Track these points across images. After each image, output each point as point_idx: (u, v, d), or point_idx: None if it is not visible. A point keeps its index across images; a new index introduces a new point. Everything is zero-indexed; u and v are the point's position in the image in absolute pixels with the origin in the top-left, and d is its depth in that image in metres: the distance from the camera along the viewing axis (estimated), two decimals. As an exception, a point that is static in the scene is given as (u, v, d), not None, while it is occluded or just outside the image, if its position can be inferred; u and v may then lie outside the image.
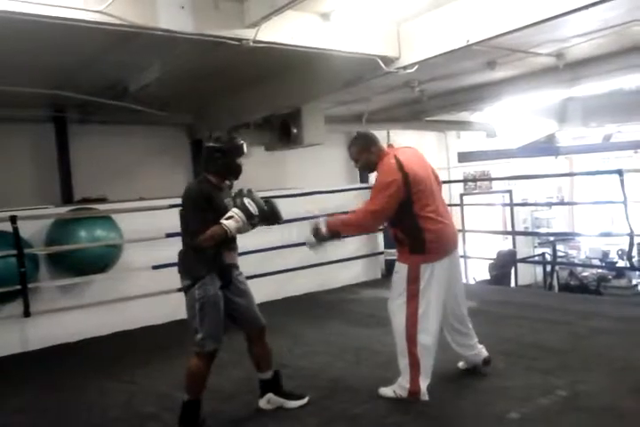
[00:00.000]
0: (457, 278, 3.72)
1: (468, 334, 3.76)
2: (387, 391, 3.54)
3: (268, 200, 3.27)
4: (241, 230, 3.11)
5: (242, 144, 3.30)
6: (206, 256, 3.15)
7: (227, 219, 3.03)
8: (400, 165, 3.35)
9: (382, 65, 4.54)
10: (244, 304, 3.34)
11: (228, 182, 3.34)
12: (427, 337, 3.42)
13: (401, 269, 3.50)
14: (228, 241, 3.17)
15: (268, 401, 3.51)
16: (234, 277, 3.33)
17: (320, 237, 3.44)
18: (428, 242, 3.38)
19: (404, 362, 3.47)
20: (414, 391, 3.43)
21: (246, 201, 3.09)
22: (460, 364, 3.91)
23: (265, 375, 3.49)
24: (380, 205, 3.37)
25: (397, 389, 3.50)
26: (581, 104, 8.61)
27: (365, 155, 3.55)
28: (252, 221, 3.10)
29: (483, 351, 3.81)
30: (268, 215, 3.23)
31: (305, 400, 3.54)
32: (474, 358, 3.81)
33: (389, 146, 3.60)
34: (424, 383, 3.43)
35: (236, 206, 3.08)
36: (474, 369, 3.84)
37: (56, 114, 6.50)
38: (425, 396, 3.42)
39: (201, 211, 3.10)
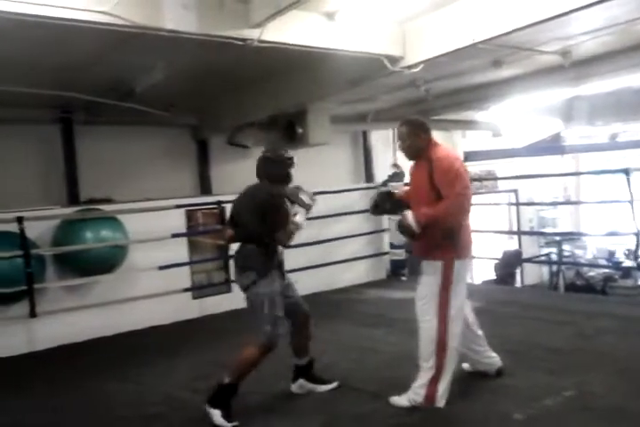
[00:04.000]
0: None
1: (479, 337, 3.73)
2: (400, 401, 3.44)
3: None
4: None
5: (292, 157, 3.67)
6: (269, 253, 3.48)
7: (294, 216, 3.45)
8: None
9: (387, 64, 4.52)
10: (294, 295, 3.67)
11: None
12: (455, 343, 3.38)
13: (434, 268, 3.37)
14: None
15: (299, 386, 3.78)
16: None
17: (410, 234, 3.36)
18: (462, 237, 3.38)
19: (425, 366, 3.38)
20: (431, 396, 3.35)
21: (304, 197, 3.52)
22: (465, 365, 3.87)
23: (301, 362, 3.77)
24: (466, 185, 3.32)
25: (412, 395, 3.40)
26: (587, 103, 8.56)
27: (414, 139, 3.52)
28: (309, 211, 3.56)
29: (497, 361, 3.78)
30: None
31: (334, 384, 3.79)
32: (486, 366, 3.77)
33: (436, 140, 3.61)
34: (443, 390, 3.36)
35: (296, 203, 3.50)
36: (481, 373, 3.80)
37: (62, 115, 6.50)
38: (441, 403, 3.36)
39: (272, 214, 3.43)
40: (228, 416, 3.31)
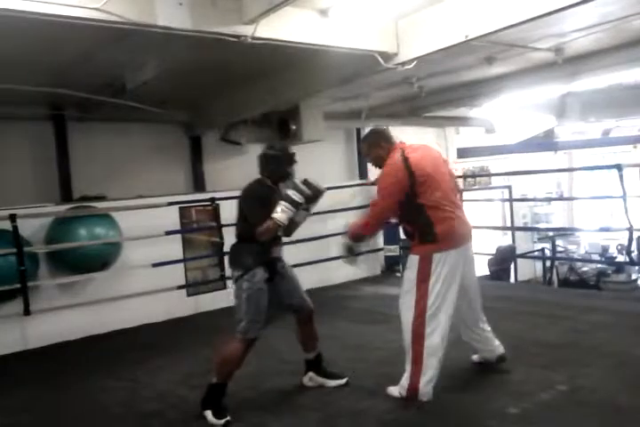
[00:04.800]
0: (471, 273, 3.70)
1: (483, 329, 3.76)
2: (393, 391, 3.53)
3: (306, 181, 3.51)
4: (295, 219, 3.46)
5: (293, 154, 3.63)
6: (256, 250, 3.48)
7: (276, 212, 3.31)
8: (406, 161, 3.38)
9: (381, 61, 4.53)
10: (292, 291, 3.68)
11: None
12: (435, 337, 3.38)
13: (412, 262, 3.47)
14: (275, 236, 3.50)
15: (309, 379, 3.85)
16: (279, 269, 3.64)
17: (350, 249, 3.81)
18: (437, 232, 3.38)
19: (407, 360, 3.45)
20: (412, 390, 3.41)
21: (290, 193, 3.35)
22: (474, 357, 3.91)
23: (309, 356, 3.84)
24: (383, 205, 3.50)
25: (400, 387, 3.49)
26: (580, 99, 8.59)
27: (375, 150, 3.62)
28: (300, 208, 3.42)
29: (499, 349, 3.80)
30: (313, 196, 3.49)
31: (343, 381, 3.81)
32: (487, 353, 3.80)
33: (400, 142, 3.62)
34: (425, 383, 3.39)
35: (282, 199, 3.36)
36: (486, 363, 3.83)
37: (54, 112, 6.48)
38: (425, 396, 3.39)
39: (259, 208, 3.39)
40: (219, 414, 3.35)
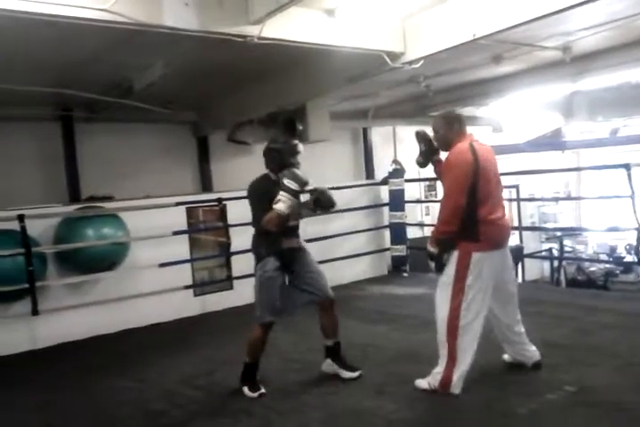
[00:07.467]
0: (509, 277, 3.71)
1: (519, 333, 3.74)
2: (422, 383, 3.55)
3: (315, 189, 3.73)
4: (295, 209, 3.57)
5: (295, 145, 3.70)
6: (267, 241, 3.66)
7: (275, 203, 3.44)
8: (474, 152, 3.40)
9: (388, 60, 4.53)
10: (312, 279, 3.82)
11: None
12: (468, 333, 3.40)
13: (452, 258, 3.46)
14: (285, 229, 3.64)
15: (327, 365, 3.97)
16: (297, 259, 3.79)
17: (438, 257, 3.53)
18: (480, 231, 3.38)
19: (442, 353, 3.48)
20: (445, 382, 3.43)
21: (286, 181, 3.46)
22: (505, 356, 3.89)
23: (327, 342, 3.95)
24: (451, 204, 3.41)
25: (431, 380, 3.51)
26: (588, 98, 8.56)
27: (445, 130, 3.61)
28: (300, 195, 3.59)
29: (535, 354, 3.78)
30: (314, 190, 3.69)
31: (357, 374, 3.87)
32: (524, 358, 3.78)
33: (470, 134, 3.65)
34: (458, 377, 3.42)
35: (281, 189, 3.47)
36: (519, 365, 3.80)
37: (62, 113, 6.51)
38: (456, 389, 3.42)
39: (263, 203, 3.54)
40: (253, 388, 3.67)
